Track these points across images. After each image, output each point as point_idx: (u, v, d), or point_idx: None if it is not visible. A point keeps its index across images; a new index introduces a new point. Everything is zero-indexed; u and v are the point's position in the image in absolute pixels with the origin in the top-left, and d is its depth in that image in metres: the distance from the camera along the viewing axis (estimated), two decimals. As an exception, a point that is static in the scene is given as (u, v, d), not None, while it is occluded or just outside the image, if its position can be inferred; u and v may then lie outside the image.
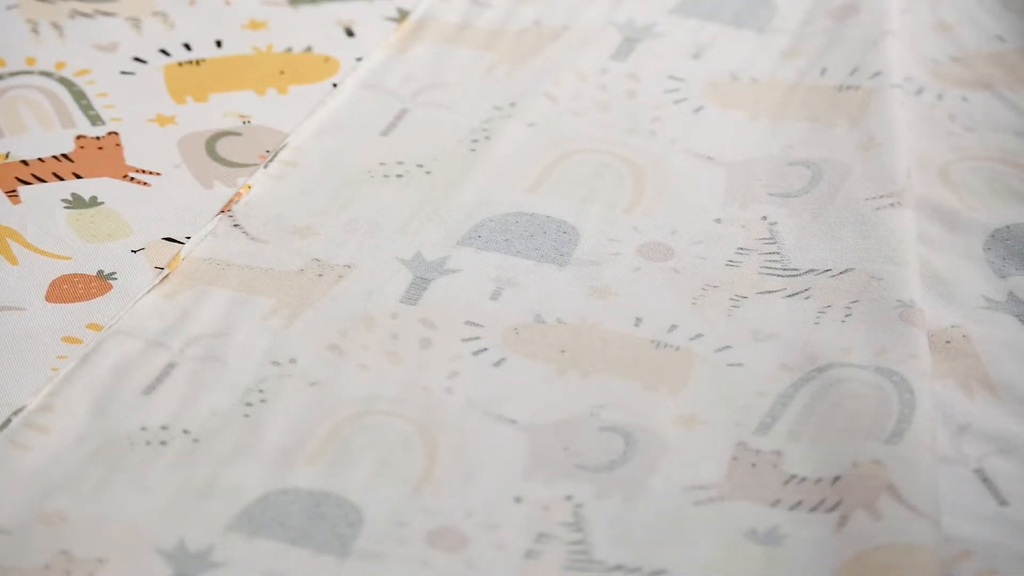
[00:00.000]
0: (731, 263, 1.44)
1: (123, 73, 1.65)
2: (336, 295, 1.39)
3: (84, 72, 1.65)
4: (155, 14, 1.74)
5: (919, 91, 1.69)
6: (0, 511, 1.18)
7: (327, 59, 1.70)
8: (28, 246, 1.42)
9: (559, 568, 1.17)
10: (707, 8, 1.80)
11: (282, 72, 1.67)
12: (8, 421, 1.26)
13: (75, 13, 1.73)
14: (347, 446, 1.25)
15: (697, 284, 1.41)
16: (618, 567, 1.17)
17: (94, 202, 1.48)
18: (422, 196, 1.51)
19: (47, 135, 1.56)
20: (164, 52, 1.69)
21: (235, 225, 1.46)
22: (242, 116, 1.60)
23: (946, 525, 1.20)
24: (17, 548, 1.16)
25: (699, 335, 1.36)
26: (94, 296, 1.38)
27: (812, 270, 1.43)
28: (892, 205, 1.48)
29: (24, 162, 1.52)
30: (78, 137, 1.56)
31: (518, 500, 1.22)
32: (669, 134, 1.61)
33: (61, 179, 1.50)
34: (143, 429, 1.26)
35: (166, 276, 1.40)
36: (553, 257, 1.44)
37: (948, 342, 1.37)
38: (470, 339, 1.35)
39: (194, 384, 1.30)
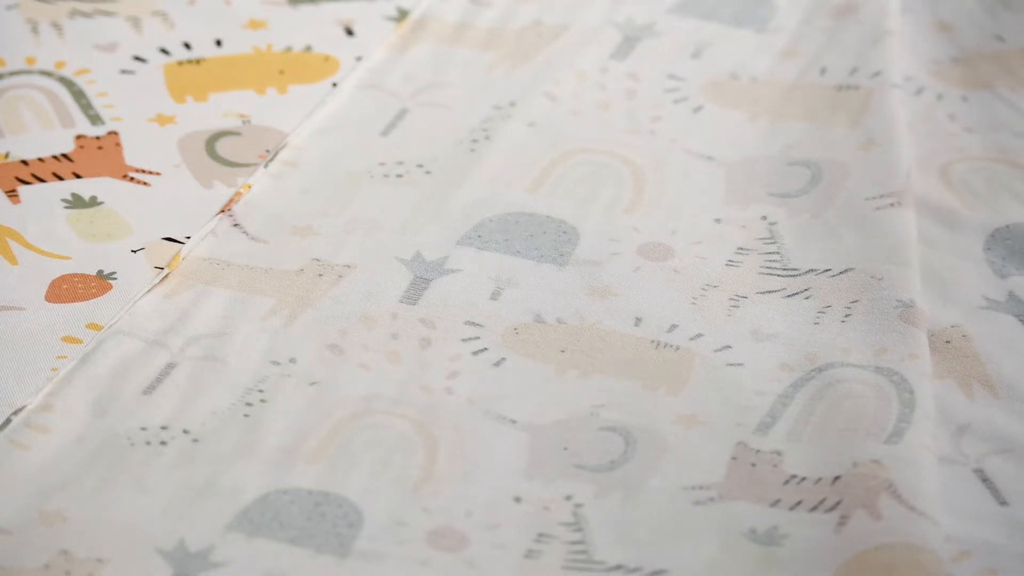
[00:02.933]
0: (731, 263, 1.44)
1: (123, 72, 1.65)
2: (336, 295, 1.39)
3: (84, 71, 1.65)
4: (155, 13, 1.74)
5: (919, 91, 1.69)
6: (0, 511, 1.18)
7: (327, 58, 1.70)
8: (28, 246, 1.42)
9: (559, 568, 1.17)
10: (706, 7, 1.80)
11: (282, 71, 1.67)
12: (8, 421, 1.26)
13: (75, 13, 1.73)
14: (347, 446, 1.25)
15: (697, 284, 1.41)
16: (618, 567, 1.17)
17: (94, 202, 1.48)
18: (422, 196, 1.51)
19: (47, 135, 1.56)
20: (164, 51, 1.69)
21: (235, 225, 1.46)
22: (242, 116, 1.60)
23: (946, 525, 1.19)
24: (17, 548, 1.16)
25: (699, 335, 1.36)
26: (94, 296, 1.37)
27: (812, 270, 1.43)
28: (892, 205, 1.48)
29: (24, 162, 1.52)
30: (78, 137, 1.56)
31: (518, 500, 1.22)
32: (669, 134, 1.61)
33: (61, 179, 1.50)
34: (143, 429, 1.26)
35: (166, 276, 1.40)
36: (553, 257, 1.44)
37: (948, 342, 1.37)
38: (470, 339, 1.35)
39: (194, 384, 1.30)
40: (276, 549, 1.17)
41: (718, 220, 1.49)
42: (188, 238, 1.44)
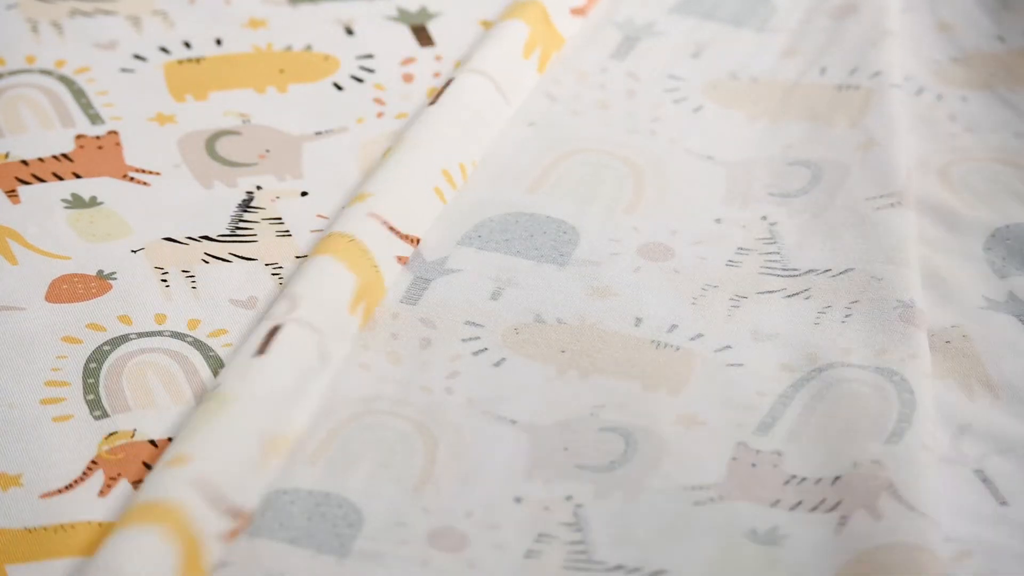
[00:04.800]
0: (731, 263, 1.44)
1: (123, 71, 1.65)
2: (336, 295, 1.39)
3: (84, 70, 1.65)
4: (155, 12, 1.74)
5: (919, 91, 1.68)
6: None
7: (327, 57, 1.70)
8: (28, 246, 1.42)
9: (559, 568, 1.17)
10: (706, 7, 1.80)
11: (282, 71, 1.67)
12: None
13: (75, 12, 1.73)
14: (347, 446, 1.25)
15: (697, 284, 1.41)
16: (618, 567, 1.17)
17: (94, 202, 1.48)
18: (422, 196, 1.51)
19: (47, 135, 1.55)
20: (164, 50, 1.69)
21: (235, 224, 1.46)
22: (242, 115, 1.60)
23: (946, 525, 1.20)
24: None
25: (699, 335, 1.36)
26: (94, 296, 1.38)
27: (812, 270, 1.43)
28: (892, 205, 1.48)
29: (24, 162, 1.52)
30: (78, 136, 1.56)
31: (518, 500, 1.22)
32: (669, 133, 1.61)
33: (61, 179, 1.50)
34: (143, 429, 1.26)
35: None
36: (553, 257, 1.44)
37: (948, 342, 1.37)
38: (470, 339, 1.35)
39: (194, 384, 1.30)
40: (276, 549, 1.17)
41: (718, 220, 1.49)
42: (188, 238, 1.44)
